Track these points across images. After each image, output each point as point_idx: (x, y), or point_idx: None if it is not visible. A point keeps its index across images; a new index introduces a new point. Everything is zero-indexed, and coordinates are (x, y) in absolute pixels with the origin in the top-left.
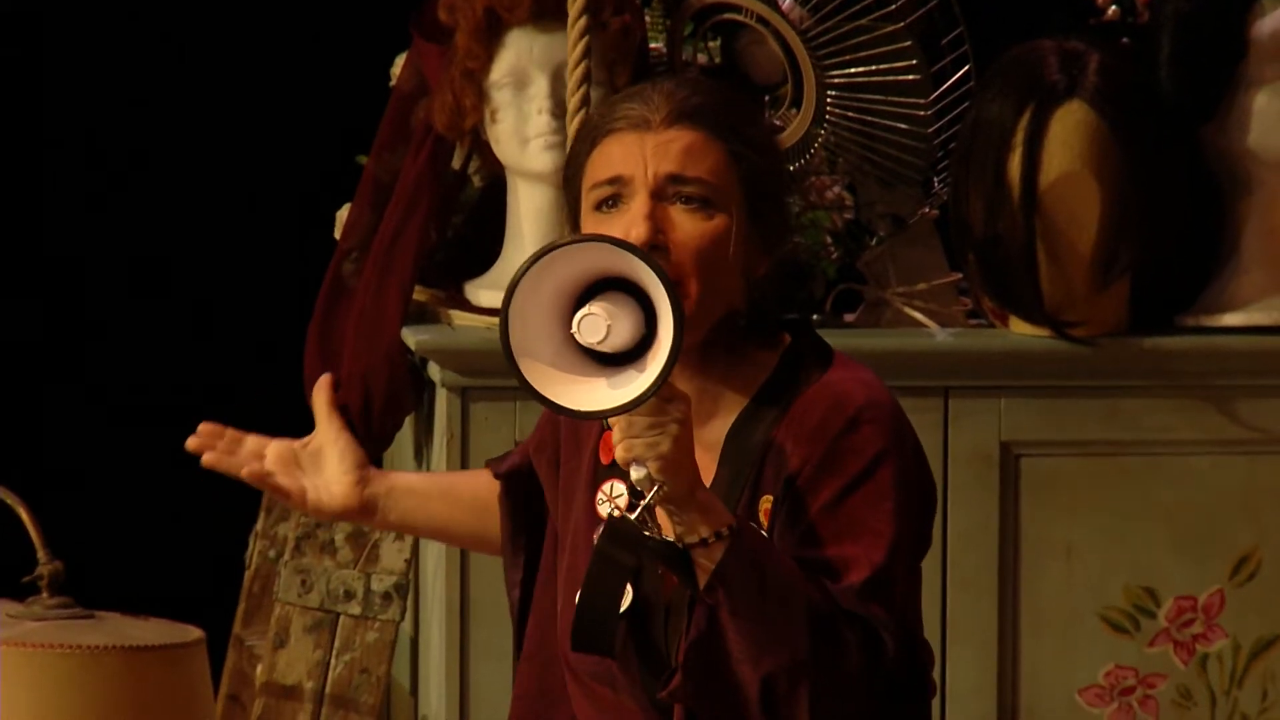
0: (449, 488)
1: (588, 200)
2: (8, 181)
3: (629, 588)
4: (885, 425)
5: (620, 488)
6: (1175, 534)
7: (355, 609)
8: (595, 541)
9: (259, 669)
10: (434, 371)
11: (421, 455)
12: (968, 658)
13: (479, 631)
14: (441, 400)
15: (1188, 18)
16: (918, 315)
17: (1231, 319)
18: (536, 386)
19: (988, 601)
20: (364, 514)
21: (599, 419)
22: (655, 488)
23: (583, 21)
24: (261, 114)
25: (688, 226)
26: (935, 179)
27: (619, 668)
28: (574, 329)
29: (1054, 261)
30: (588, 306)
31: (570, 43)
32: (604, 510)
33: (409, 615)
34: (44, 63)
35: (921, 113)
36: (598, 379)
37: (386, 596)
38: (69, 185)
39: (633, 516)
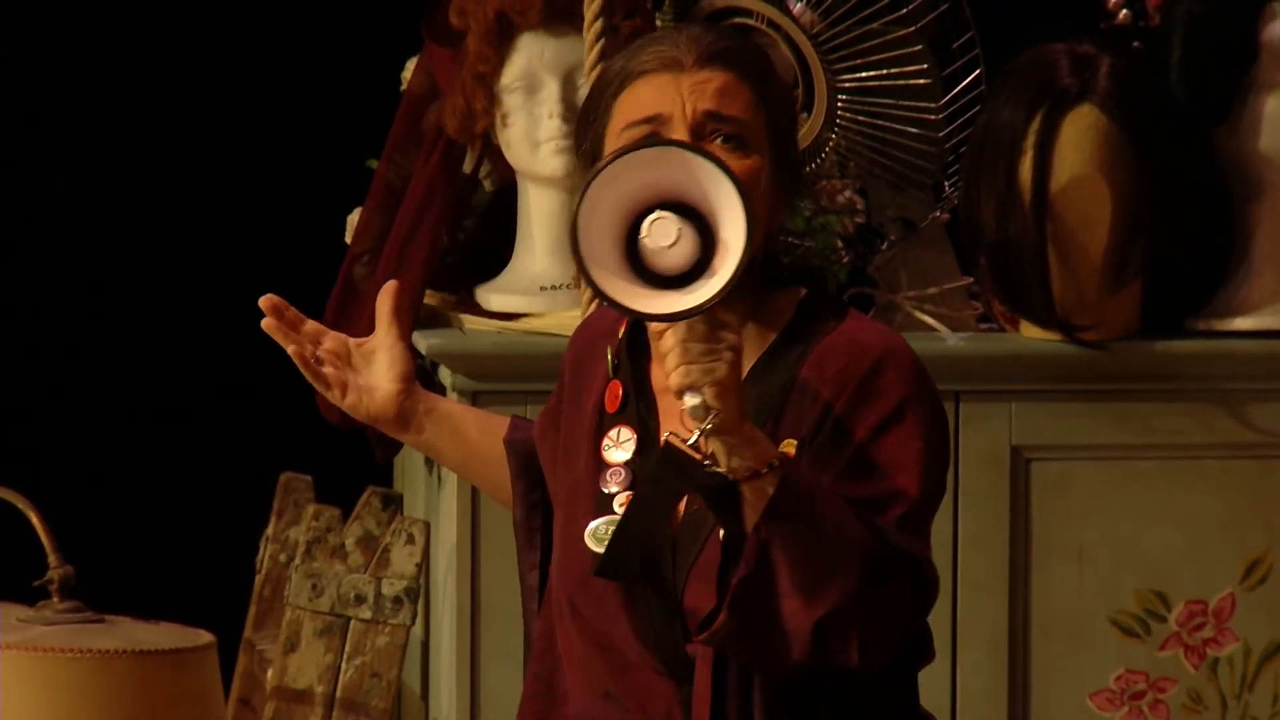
0: (486, 428)
1: (619, 142)
2: (17, 186)
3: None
4: (909, 370)
5: (627, 433)
6: (1186, 538)
7: (366, 613)
8: (642, 467)
9: (270, 673)
10: (445, 375)
11: (432, 460)
12: (978, 661)
13: (490, 635)
14: None
15: (1199, 21)
16: (929, 319)
17: (1243, 322)
18: (607, 290)
19: (998, 605)
20: (399, 424)
21: (669, 321)
22: (711, 415)
23: (599, 24)
24: (273, 117)
25: (729, 162)
26: (946, 183)
27: (623, 609)
28: (644, 232)
29: (1065, 265)
30: (658, 211)
31: (587, 45)
32: (614, 458)
33: (420, 619)
34: (56, 62)
35: (932, 116)
36: (657, 291)
37: (397, 601)
38: (80, 188)
39: (689, 442)
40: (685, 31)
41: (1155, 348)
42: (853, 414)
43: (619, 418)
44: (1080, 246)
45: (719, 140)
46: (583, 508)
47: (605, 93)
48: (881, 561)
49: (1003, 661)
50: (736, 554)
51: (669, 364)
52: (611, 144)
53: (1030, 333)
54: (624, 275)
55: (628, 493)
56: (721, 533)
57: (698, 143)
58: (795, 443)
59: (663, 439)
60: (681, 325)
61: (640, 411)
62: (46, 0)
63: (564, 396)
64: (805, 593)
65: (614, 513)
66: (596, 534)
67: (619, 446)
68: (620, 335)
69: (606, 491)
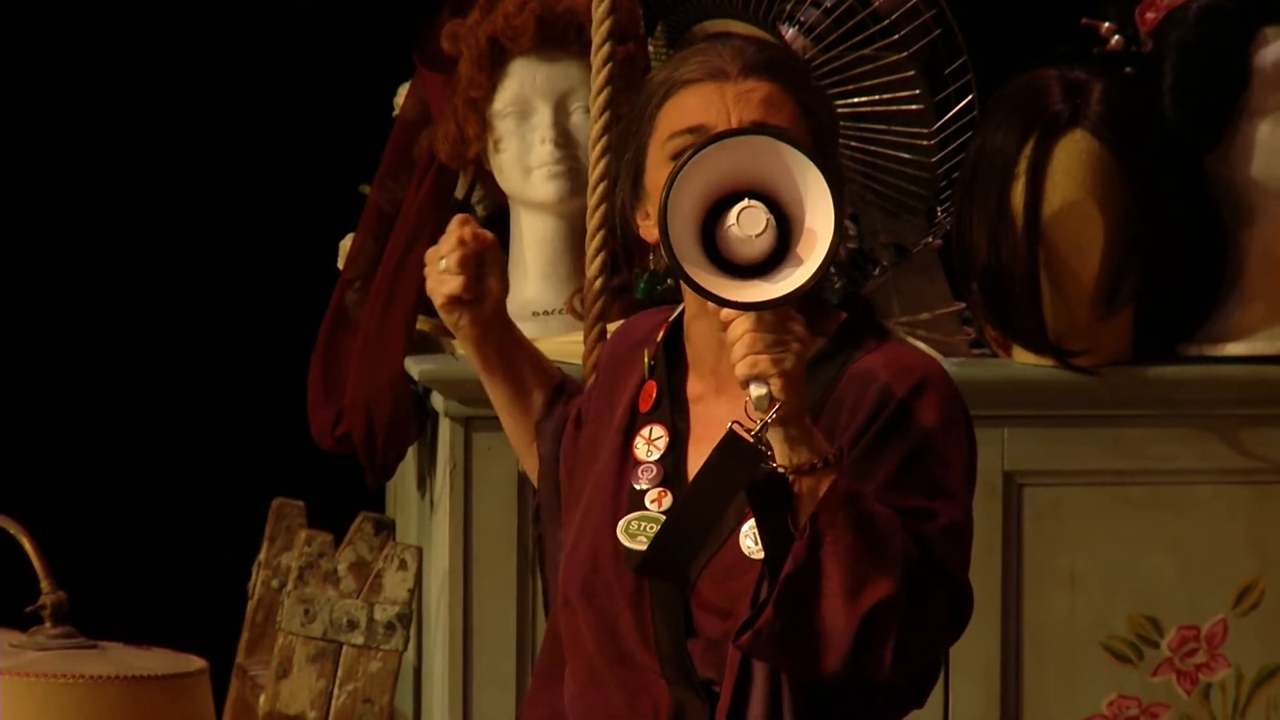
0: (541, 385)
1: (663, 152)
2: (10, 210)
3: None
4: (950, 392)
5: (659, 431)
6: (1178, 563)
7: (358, 639)
8: (707, 457)
9: (262, 699)
10: (437, 401)
11: (424, 485)
12: (971, 687)
13: (482, 661)
14: (444, 430)
15: (1191, 47)
16: (921, 345)
17: (1235, 348)
18: (697, 278)
19: (991, 630)
20: (487, 332)
21: (759, 309)
22: (775, 406)
23: (606, 49)
24: (265, 142)
25: None
26: (938, 208)
27: (631, 613)
28: (731, 221)
29: (1057, 291)
30: (746, 200)
31: (594, 69)
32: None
33: (412, 645)
34: (52, 82)
35: (925, 142)
36: (741, 282)
37: (390, 626)
38: (73, 211)
39: (754, 433)
40: (730, 43)
41: (1147, 373)
42: (895, 430)
43: (652, 417)
44: (1072, 272)
45: None
46: (605, 502)
47: (650, 104)
48: (925, 570)
49: (995, 687)
50: (780, 554)
51: (736, 353)
52: (655, 154)
53: (1022, 358)
54: (702, 264)
55: (659, 489)
56: (744, 537)
57: None
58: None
59: (727, 427)
60: (751, 315)
61: (673, 415)
62: (43, 20)
63: (594, 396)
64: (849, 594)
65: (645, 508)
66: (629, 529)
67: (652, 445)
68: (659, 339)
69: (638, 488)
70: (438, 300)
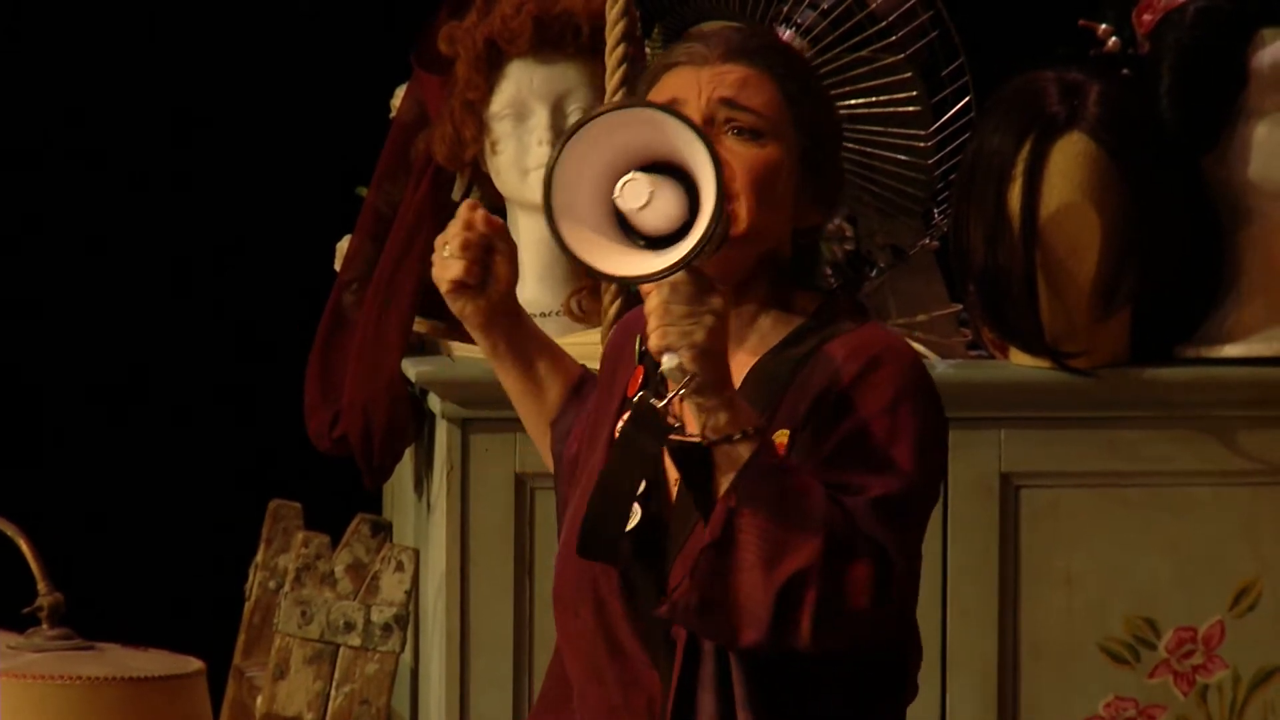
0: (552, 372)
1: None
2: (8, 211)
3: (636, 507)
4: (906, 368)
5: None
6: (1175, 565)
7: (355, 640)
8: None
9: (259, 700)
10: (434, 403)
11: (421, 486)
12: (967, 689)
13: (479, 662)
14: (441, 431)
15: (1188, 49)
16: (918, 347)
17: (1232, 350)
18: (572, 247)
19: (988, 632)
20: (494, 320)
21: (631, 284)
22: (686, 378)
23: (620, 50)
24: (262, 144)
25: (739, 150)
26: (935, 210)
27: (619, 599)
28: (616, 193)
29: (1054, 293)
30: (631, 173)
31: (609, 71)
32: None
33: (409, 646)
34: (49, 86)
35: (922, 144)
36: (636, 251)
37: (387, 628)
38: (70, 212)
39: (660, 404)
40: (721, 30)
41: (1144, 375)
42: (845, 403)
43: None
44: (1069, 274)
45: (732, 130)
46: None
47: (639, 91)
48: (845, 540)
49: (992, 689)
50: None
51: (650, 324)
52: None
53: (1019, 360)
54: (607, 228)
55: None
56: None
57: (709, 130)
58: (788, 432)
59: (635, 398)
60: (665, 286)
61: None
62: (43, 19)
63: (599, 389)
64: (766, 565)
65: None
66: None
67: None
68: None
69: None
70: (442, 286)
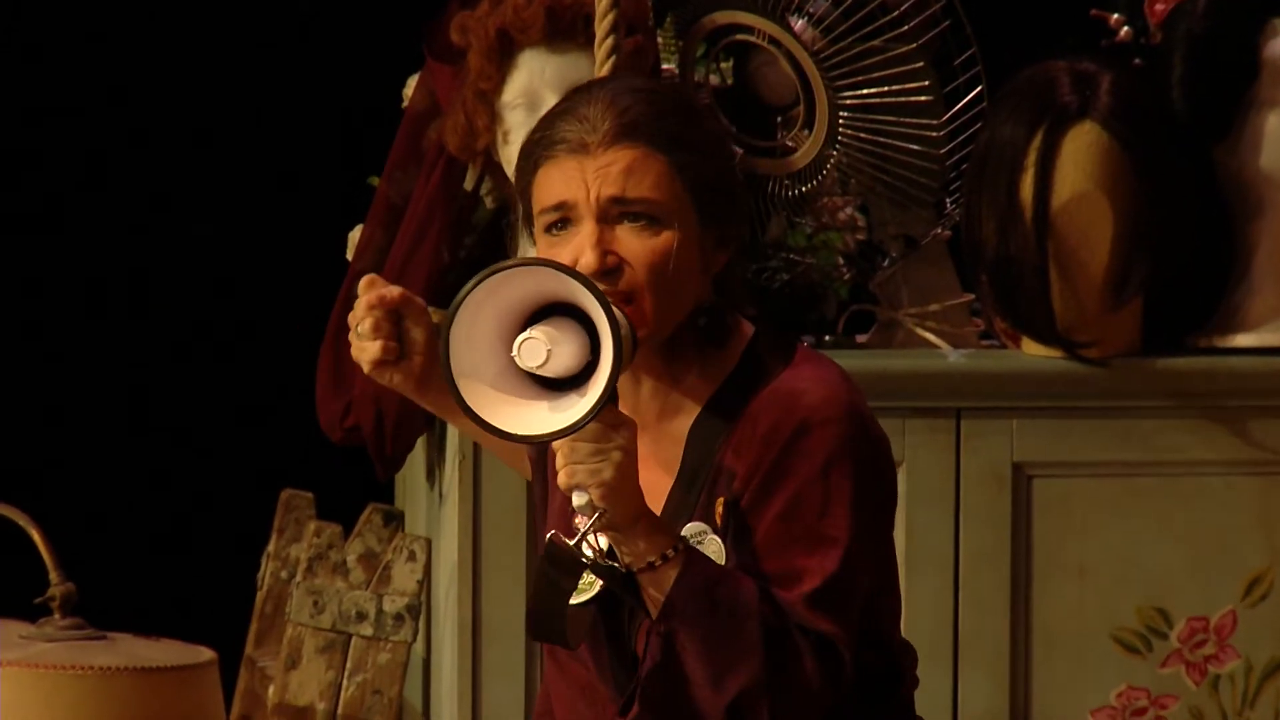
0: None
1: (538, 223)
2: (16, 204)
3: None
4: (836, 427)
5: None
6: (1187, 555)
7: (367, 630)
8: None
9: (271, 690)
10: None
11: (433, 476)
12: (980, 678)
13: (491, 652)
14: None
15: (1200, 39)
16: (930, 336)
17: (1244, 339)
18: (474, 407)
19: (1000, 622)
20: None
21: (535, 443)
22: (596, 514)
23: (609, 41)
24: (274, 135)
25: (636, 245)
26: (948, 200)
27: (589, 651)
28: (514, 353)
29: (1066, 282)
30: (529, 330)
31: (598, 63)
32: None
33: (421, 636)
34: (57, 81)
35: (934, 134)
36: (540, 403)
37: (399, 618)
38: (82, 205)
39: (572, 543)
40: (596, 100)
41: (1156, 364)
42: (771, 484)
43: None
44: (1081, 263)
45: (626, 222)
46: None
47: (526, 166)
48: (785, 641)
49: (1004, 678)
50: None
51: (557, 462)
52: (537, 222)
53: (1031, 349)
54: (508, 378)
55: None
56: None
57: (605, 228)
58: (723, 501)
59: (546, 536)
60: None
61: None
62: (43, 19)
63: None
64: (713, 680)
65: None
66: None
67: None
68: None
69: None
70: (365, 369)
